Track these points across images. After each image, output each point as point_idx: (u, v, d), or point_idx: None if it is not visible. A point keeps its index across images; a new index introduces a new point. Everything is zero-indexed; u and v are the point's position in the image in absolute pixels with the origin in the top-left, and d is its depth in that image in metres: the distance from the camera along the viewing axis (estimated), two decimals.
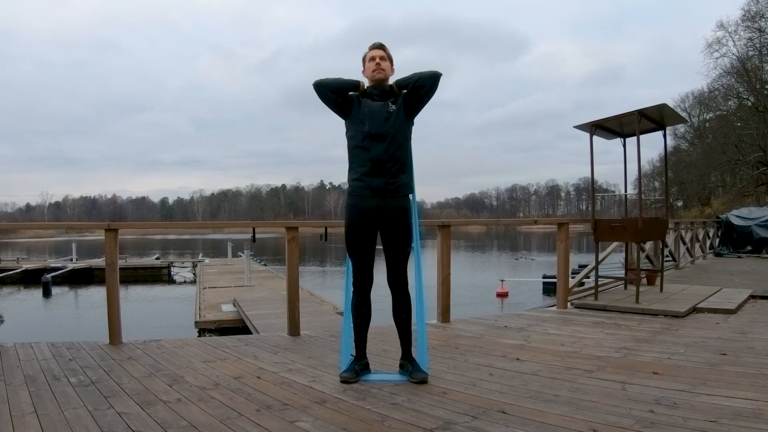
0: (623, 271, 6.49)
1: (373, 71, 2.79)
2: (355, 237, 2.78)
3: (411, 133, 2.85)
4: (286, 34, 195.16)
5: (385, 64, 2.80)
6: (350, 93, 2.81)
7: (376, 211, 2.72)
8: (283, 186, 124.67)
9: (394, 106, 2.75)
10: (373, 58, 2.80)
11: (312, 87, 2.79)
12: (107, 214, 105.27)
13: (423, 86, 2.73)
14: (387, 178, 2.71)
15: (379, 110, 2.74)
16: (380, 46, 2.85)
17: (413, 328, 2.86)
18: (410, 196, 2.83)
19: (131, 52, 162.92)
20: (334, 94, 2.77)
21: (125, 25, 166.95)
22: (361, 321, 2.81)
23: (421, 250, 2.91)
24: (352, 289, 2.84)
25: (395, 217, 2.74)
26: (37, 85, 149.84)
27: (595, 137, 5.50)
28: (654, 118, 5.36)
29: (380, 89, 2.80)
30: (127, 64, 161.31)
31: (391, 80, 2.84)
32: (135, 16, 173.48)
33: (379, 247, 2.81)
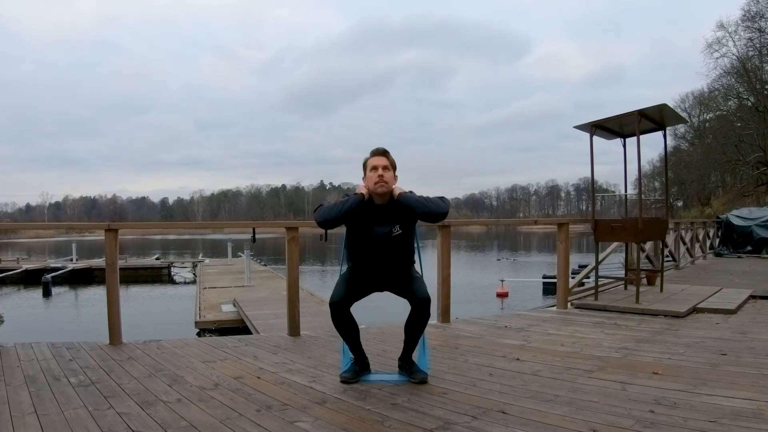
0: (623, 271, 6.49)
1: (376, 184, 2.66)
2: (354, 281, 2.77)
3: (415, 228, 2.81)
4: (287, 36, 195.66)
5: (388, 176, 2.68)
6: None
7: (380, 280, 2.77)
8: (283, 186, 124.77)
9: (398, 229, 2.69)
10: (375, 168, 2.67)
11: (317, 224, 2.69)
12: (107, 214, 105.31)
13: (427, 220, 2.68)
14: (390, 271, 2.75)
15: (385, 236, 2.68)
16: (383, 153, 2.72)
17: None
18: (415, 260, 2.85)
19: (132, 52, 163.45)
20: (340, 221, 2.68)
21: (126, 26, 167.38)
22: (350, 333, 2.75)
23: (421, 250, 2.92)
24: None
25: (401, 279, 2.75)
26: (39, 85, 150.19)
27: (595, 137, 5.50)
28: (654, 119, 5.36)
29: (383, 206, 2.70)
30: (128, 64, 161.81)
31: (395, 186, 2.73)
32: (136, 17, 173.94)
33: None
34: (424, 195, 2.69)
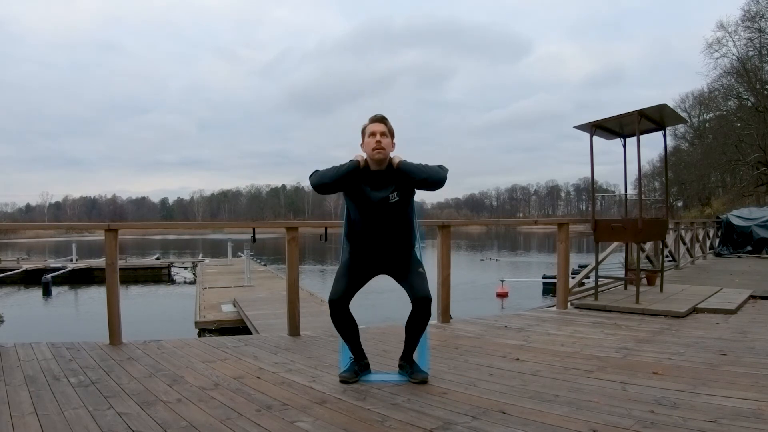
0: (623, 271, 6.49)
1: (374, 150, 2.63)
2: (354, 269, 2.77)
3: (413, 202, 2.79)
4: (288, 36, 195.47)
5: (386, 141, 2.65)
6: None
7: (380, 262, 2.76)
8: (283, 186, 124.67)
9: (396, 195, 2.66)
10: (373, 134, 2.65)
11: (311, 186, 2.67)
12: (107, 214, 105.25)
13: (426, 186, 2.65)
14: (390, 249, 2.74)
15: (382, 202, 2.65)
16: (381, 119, 2.70)
17: None
18: (415, 245, 2.83)
19: (133, 53, 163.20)
20: (336, 186, 2.66)
21: (127, 27, 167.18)
22: (349, 332, 2.75)
23: (422, 250, 2.91)
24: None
25: (402, 263, 2.75)
26: (40, 86, 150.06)
27: (595, 137, 5.50)
28: (654, 119, 5.36)
29: (380, 172, 2.68)
30: (128, 65, 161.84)
31: (393, 154, 2.72)
32: (137, 17, 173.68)
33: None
34: (423, 163, 2.68)
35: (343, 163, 2.67)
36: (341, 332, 2.75)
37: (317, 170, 2.68)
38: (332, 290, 2.70)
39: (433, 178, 2.60)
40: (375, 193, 2.67)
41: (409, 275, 2.71)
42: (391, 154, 2.71)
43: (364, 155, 2.69)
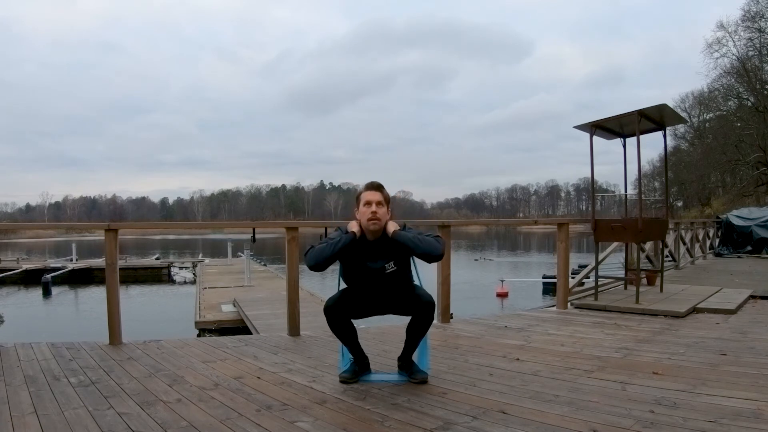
0: (623, 271, 6.49)
1: (369, 220, 2.61)
2: (354, 300, 2.75)
3: (411, 261, 2.77)
4: (288, 37, 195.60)
5: (381, 212, 2.62)
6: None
7: (378, 307, 2.78)
8: (283, 186, 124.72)
9: (392, 266, 2.66)
10: (369, 203, 2.62)
11: (310, 269, 2.62)
12: (107, 214, 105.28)
13: (424, 260, 2.62)
14: (390, 301, 2.75)
15: (378, 272, 2.66)
16: (377, 188, 2.67)
17: None
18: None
19: (133, 53, 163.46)
20: (335, 260, 2.63)
21: (128, 27, 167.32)
22: (346, 335, 2.74)
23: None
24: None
25: (402, 300, 2.73)
26: (40, 86, 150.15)
27: (595, 137, 5.49)
28: (654, 119, 5.36)
29: (376, 242, 2.66)
30: (129, 65, 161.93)
31: (389, 224, 2.68)
32: (137, 18, 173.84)
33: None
34: (417, 231, 2.65)
35: (336, 235, 2.64)
36: (340, 336, 2.76)
37: (313, 246, 2.63)
38: (328, 299, 2.72)
39: (433, 254, 2.56)
40: (371, 264, 2.66)
41: (410, 296, 2.71)
42: (388, 223, 2.67)
43: (357, 225, 2.66)
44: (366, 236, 2.67)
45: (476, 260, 27.27)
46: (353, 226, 2.67)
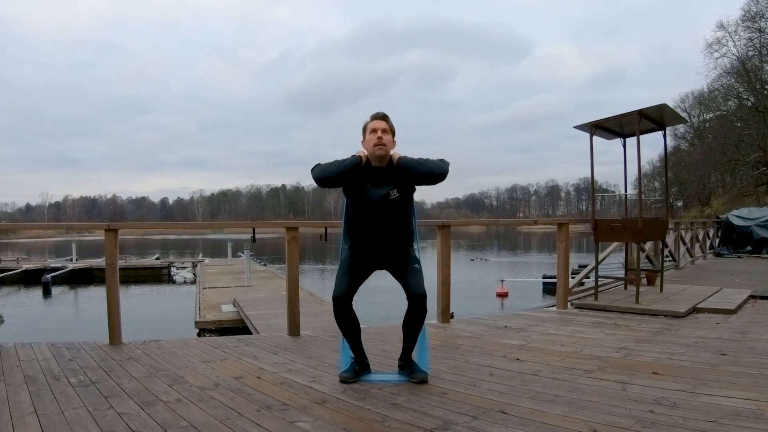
0: (623, 271, 6.49)
1: (375, 146, 2.65)
2: (354, 266, 2.77)
3: (413, 199, 2.79)
4: (288, 37, 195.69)
5: (387, 138, 2.67)
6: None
7: (379, 258, 2.76)
8: (283, 186, 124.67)
9: (396, 192, 2.67)
10: (374, 131, 2.67)
11: (313, 180, 2.67)
12: (107, 214, 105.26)
13: (427, 181, 2.64)
14: (389, 245, 2.74)
15: (382, 199, 2.66)
16: (383, 117, 2.73)
17: None
18: (413, 241, 2.83)
19: (134, 53, 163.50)
20: (337, 181, 2.67)
21: (128, 27, 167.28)
22: (350, 330, 2.75)
23: (420, 250, 2.91)
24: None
25: (400, 259, 2.75)
26: (40, 86, 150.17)
27: (595, 137, 5.49)
28: (654, 119, 5.36)
29: (381, 169, 2.69)
30: (129, 65, 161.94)
31: (394, 152, 2.73)
32: (138, 18, 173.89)
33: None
34: (424, 158, 2.69)
35: (344, 158, 2.69)
36: (344, 330, 2.76)
37: (319, 164, 2.70)
38: (336, 288, 2.71)
39: (435, 172, 2.61)
40: (375, 190, 2.68)
41: (406, 273, 2.72)
42: (392, 152, 2.72)
43: (365, 152, 2.71)
44: (371, 164, 2.71)
45: (472, 260, 27.19)
46: (360, 153, 2.71)
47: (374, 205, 2.67)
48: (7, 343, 3.62)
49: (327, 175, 2.63)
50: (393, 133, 2.75)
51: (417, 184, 2.71)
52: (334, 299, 2.68)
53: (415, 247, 2.86)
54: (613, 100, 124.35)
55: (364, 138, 2.74)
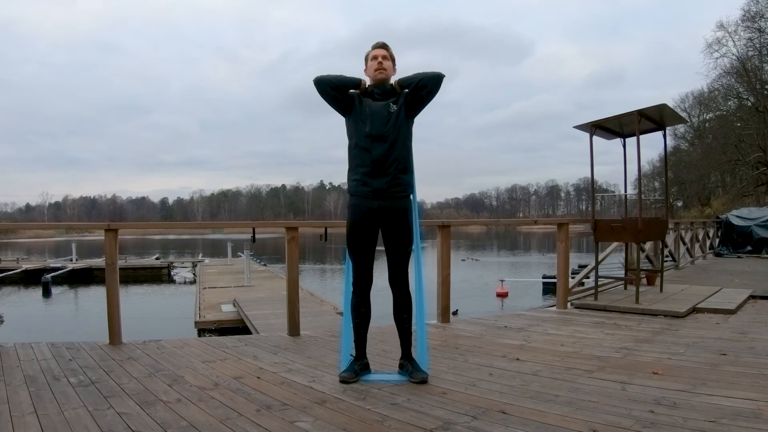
0: (623, 271, 6.49)
1: (375, 70, 2.78)
2: (357, 236, 2.78)
3: (412, 133, 2.84)
4: (289, 37, 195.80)
5: (387, 64, 2.80)
6: (351, 91, 2.81)
7: (378, 212, 2.73)
8: (283, 186, 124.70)
9: (395, 106, 2.74)
10: (375, 57, 2.80)
11: (313, 83, 2.78)
12: (107, 214, 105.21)
13: (425, 86, 2.72)
14: (388, 179, 2.71)
15: (380, 111, 2.72)
16: (383, 45, 2.84)
17: (413, 328, 2.86)
18: (411, 196, 2.83)
19: (134, 54, 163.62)
20: (335, 90, 2.77)
21: (128, 27, 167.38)
22: (360, 321, 2.81)
23: (422, 250, 2.91)
24: (351, 289, 2.84)
25: (397, 218, 2.75)
26: (40, 86, 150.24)
27: (595, 137, 5.50)
28: (654, 119, 5.36)
29: (382, 88, 2.80)
30: (129, 65, 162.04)
31: (393, 79, 2.84)
32: (138, 18, 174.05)
33: (380, 248, 2.82)
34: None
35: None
36: (357, 320, 2.80)
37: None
38: (354, 279, 2.80)
39: (429, 75, 2.72)
40: (375, 104, 2.76)
41: (397, 251, 2.76)
42: (392, 79, 2.83)
43: (367, 80, 2.83)
44: (373, 92, 2.80)
45: (463, 260, 26.96)
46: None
47: (374, 118, 2.72)
48: (7, 343, 3.62)
49: (327, 81, 2.76)
50: (393, 61, 2.86)
51: (418, 99, 2.76)
52: (355, 288, 2.81)
53: (412, 199, 2.83)
54: (613, 100, 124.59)
55: (366, 66, 2.86)
